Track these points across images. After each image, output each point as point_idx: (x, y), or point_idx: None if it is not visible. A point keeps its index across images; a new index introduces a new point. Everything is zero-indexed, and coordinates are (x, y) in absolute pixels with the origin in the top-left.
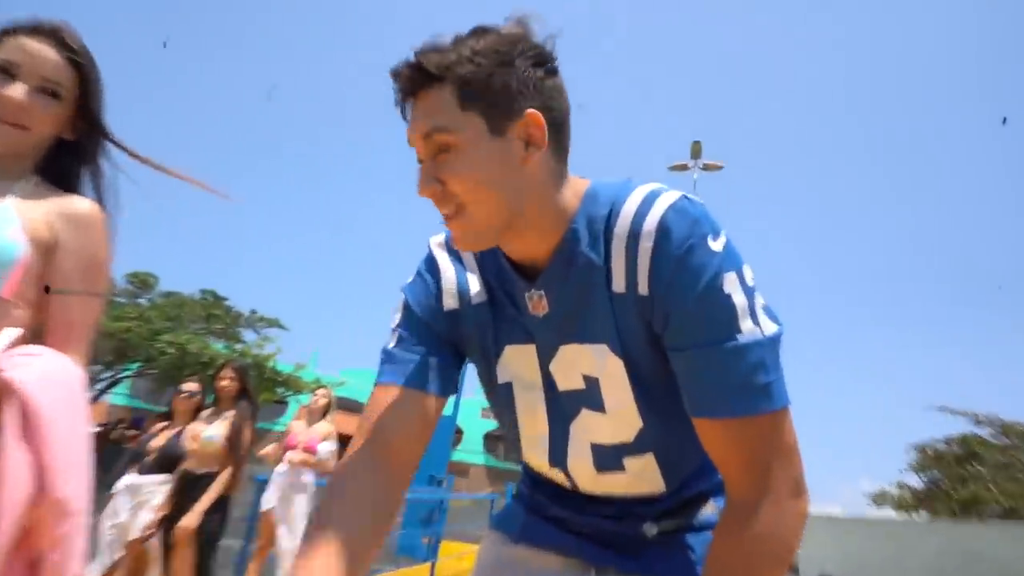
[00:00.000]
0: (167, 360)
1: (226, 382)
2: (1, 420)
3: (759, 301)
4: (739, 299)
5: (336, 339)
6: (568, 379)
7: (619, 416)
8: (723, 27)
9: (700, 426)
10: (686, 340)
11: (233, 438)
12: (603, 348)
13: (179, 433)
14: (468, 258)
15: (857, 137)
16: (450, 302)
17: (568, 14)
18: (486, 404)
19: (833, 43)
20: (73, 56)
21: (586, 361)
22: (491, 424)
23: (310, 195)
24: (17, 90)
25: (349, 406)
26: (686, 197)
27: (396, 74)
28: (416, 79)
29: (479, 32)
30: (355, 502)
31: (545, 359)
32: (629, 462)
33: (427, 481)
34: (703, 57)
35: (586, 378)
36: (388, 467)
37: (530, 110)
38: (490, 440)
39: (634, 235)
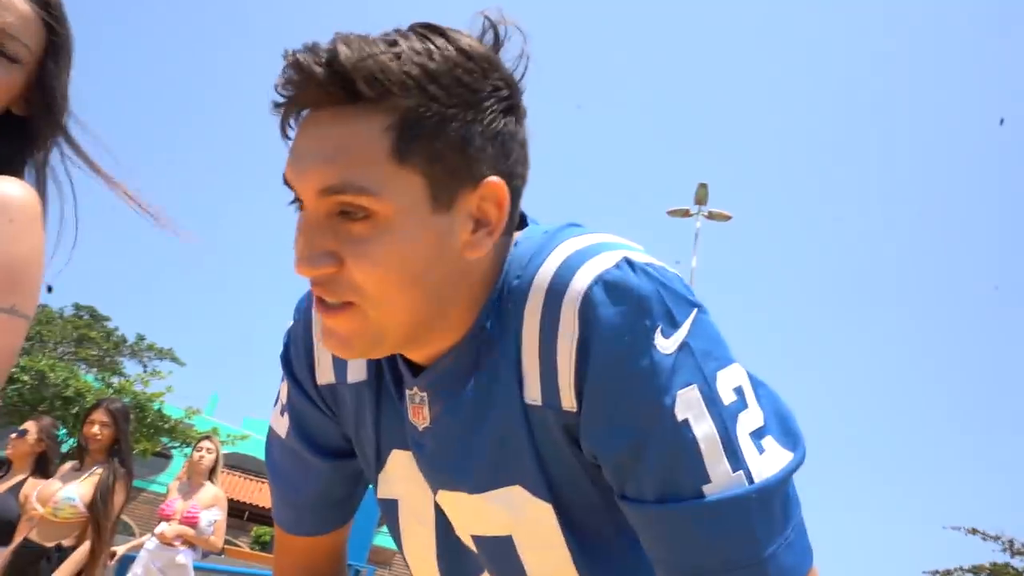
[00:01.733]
0: (17, 390)
1: (96, 428)
2: None
3: (748, 424)
4: (703, 430)
5: (241, 381)
6: (461, 533)
7: None
8: (738, 65)
9: None
10: (633, 490)
11: (98, 503)
12: (515, 492)
13: (14, 488)
14: None
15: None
16: (325, 375)
17: (562, 38)
18: None
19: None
20: (46, 13)
21: (480, 517)
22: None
23: (227, 206)
24: None
25: (249, 466)
26: (627, 262)
27: (298, 72)
28: (329, 90)
29: (429, 36)
30: None
31: (432, 489)
32: None
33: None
34: (715, 93)
35: (482, 540)
36: None
37: (491, 178)
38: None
39: (548, 323)
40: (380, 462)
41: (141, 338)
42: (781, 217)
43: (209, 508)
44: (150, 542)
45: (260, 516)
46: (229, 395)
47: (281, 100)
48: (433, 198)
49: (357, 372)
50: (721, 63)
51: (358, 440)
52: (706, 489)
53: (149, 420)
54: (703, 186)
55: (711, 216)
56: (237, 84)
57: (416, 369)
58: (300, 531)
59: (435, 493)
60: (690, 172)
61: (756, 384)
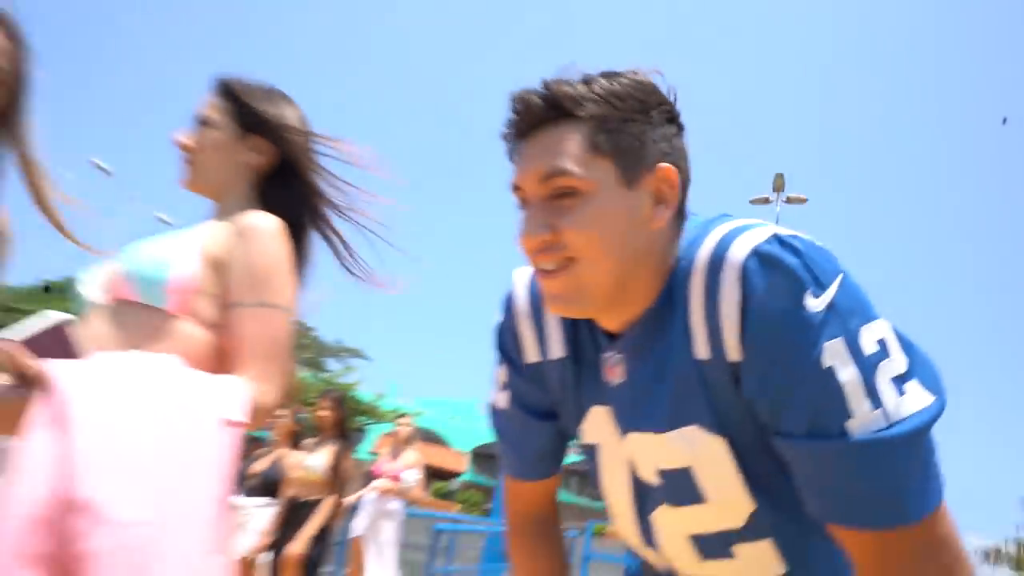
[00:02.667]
0: None
1: (325, 412)
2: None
3: (890, 370)
4: (847, 376)
5: (412, 369)
6: (646, 471)
7: (724, 503)
8: (810, 56)
9: (831, 529)
10: (786, 427)
11: (335, 468)
12: (692, 431)
13: (278, 458)
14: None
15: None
16: (531, 355)
17: (644, 38)
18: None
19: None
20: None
21: (663, 453)
22: (568, 458)
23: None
24: None
25: (428, 437)
26: (776, 238)
27: (520, 103)
28: (544, 112)
29: (610, 74)
30: (542, 551)
31: (622, 433)
32: (740, 549)
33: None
34: (788, 86)
35: (667, 472)
36: (545, 529)
37: (664, 164)
38: (567, 474)
39: (711, 292)
40: (581, 417)
41: (338, 342)
42: (850, 195)
43: (410, 468)
44: (369, 495)
45: (437, 474)
46: (405, 380)
47: (509, 128)
48: (622, 178)
49: (557, 350)
50: (791, 62)
51: (563, 401)
52: (848, 425)
53: (348, 404)
54: (780, 176)
55: (789, 200)
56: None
57: (609, 337)
58: (526, 477)
59: (624, 436)
60: (767, 163)
61: (902, 339)
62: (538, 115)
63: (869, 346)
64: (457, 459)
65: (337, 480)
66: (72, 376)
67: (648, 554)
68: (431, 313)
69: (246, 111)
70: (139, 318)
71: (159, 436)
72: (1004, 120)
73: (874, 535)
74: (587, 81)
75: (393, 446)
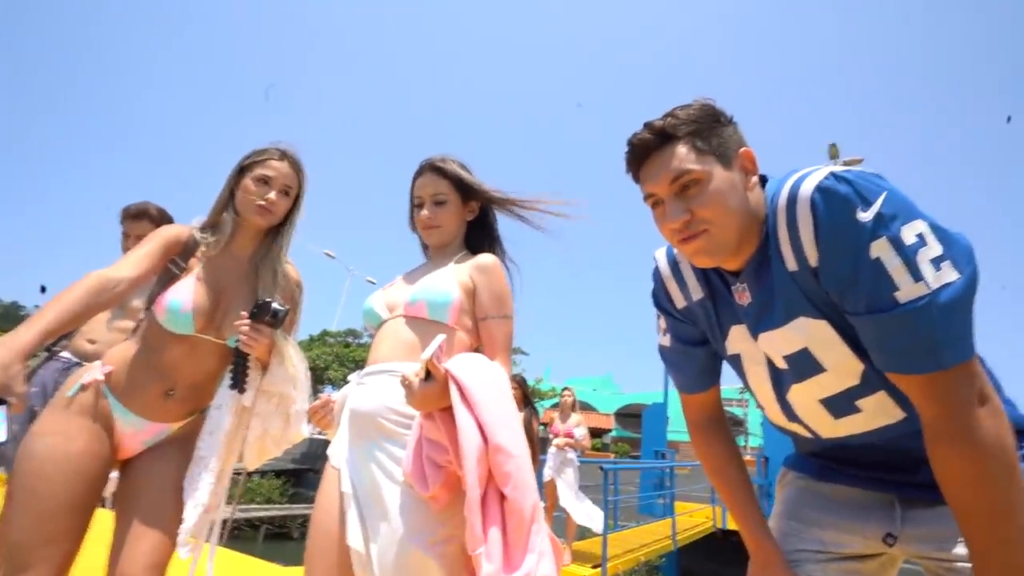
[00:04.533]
0: None
1: (515, 390)
2: (449, 396)
3: (928, 254)
4: (893, 263)
5: (558, 357)
6: (777, 360)
7: (841, 367)
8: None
9: (892, 379)
10: (854, 307)
11: (528, 429)
12: (801, 321)
13: None
14: (685, 264)
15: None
16: (679, 302)
17: (702, 13)
18: None
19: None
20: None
21: (785, 342)
22: None
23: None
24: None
25: (579, 406)
26: (832, 174)
27: (637, 141)
28: (655, 142)
29: (684, 106)
30: (720, 443)
31: (754, 338)
32: (863, 402)
33: (652, 455)
34: (841, 57)
35: (790, 356)
36: (716, 426)
37: (744, 148)
38: None
39: (791, 223)
40: (724, 335)
41: None
42: (900, 152)
43: (578, 426)
44: (551, 449)
45: (592, 433)
46: (554, 366)
47: (631, 159)
48: (722, 163)
49: (697, 294)
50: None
51: (709, 328)
52: (897, 296)
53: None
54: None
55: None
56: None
57: (733, 275)
58: (695, 390)
59: (756, 339)
60: (819, 134)
61: (939, 230)
62: (651, 145)
63: (909, 239)
64: (605, 420)
65: (531, 441)
66: (457, 369)
67: (796, 428)
68: (567, 311)
69: (464, 186)
70: (428, 330)
71: (505, 400)
72: (1008, 119)
73: (921, 378)
74: (672, 115)
75: (561, 412)
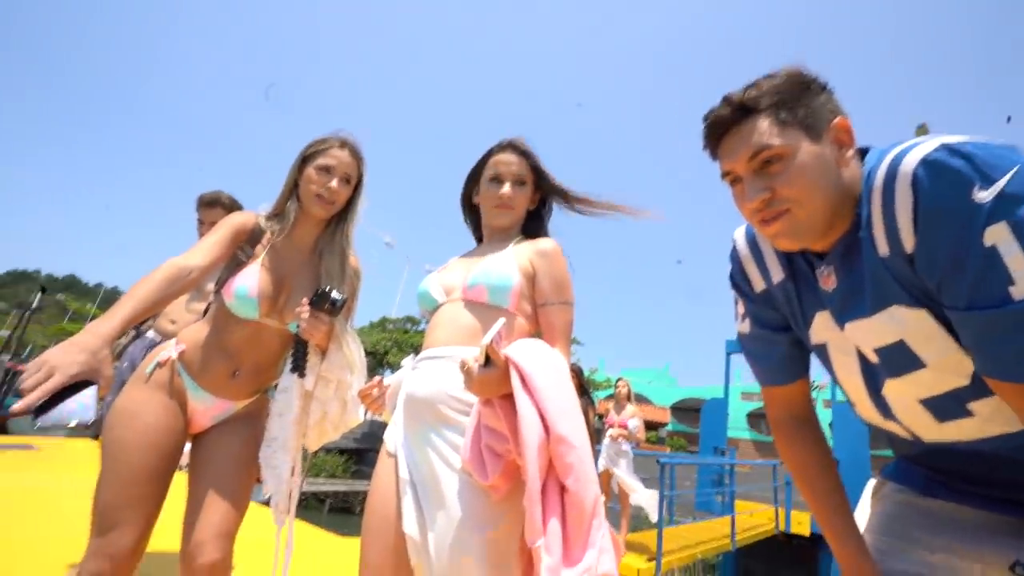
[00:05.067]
0: None
1: (572, 380)
2: (509, 383)
3: None
4: (1012, 252)
5: (615, 347)
6: (868, 352)
7: (944, 365)
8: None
9: (992, 385)
10: (953, 300)
11: (584, 422)
12: (895, 309)
13: None
14: (765, 244)
15: None
16: (758, 285)
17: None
18: (746, 389)
19: None
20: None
21: (876, 333)
22: (752, 405)
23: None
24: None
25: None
26: (945, 146)
27: (714, 116)
28: (733, 116)
29: (768, 76)
30: (807, 446)
31: (840, 326)
32: (976, 406)
33: (711, 451)
34: (842, 56)
35: (883, 349)
36: (803, 426)
37: (838, 118)
38: (752, 418)
39: (887, 201)
40: (807, 322)
41: None
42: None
43: (632, 418)
44: (605, 440)
45: (647, 426)
46: (610, 357)
47: (709, 135)
48: (809, 136)
49: (777, 276)
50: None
51: (792, 314)
52: (1012, 290)
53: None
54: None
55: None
56: None
57: (819, 256)
58: (778, 382)
59: (843, 328)
60: (909, 117)
61: None
62: (729, 120)
63: None
64: (661, 413)
65: (587, 429)
66: (518, 355)
67: (893, 427)
68: (625, 301)
69: (541, 174)
70: (487, 314)
71: (566, 388)
72: (1008, 119)
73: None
74: (755, 86)
75: (616, 402)
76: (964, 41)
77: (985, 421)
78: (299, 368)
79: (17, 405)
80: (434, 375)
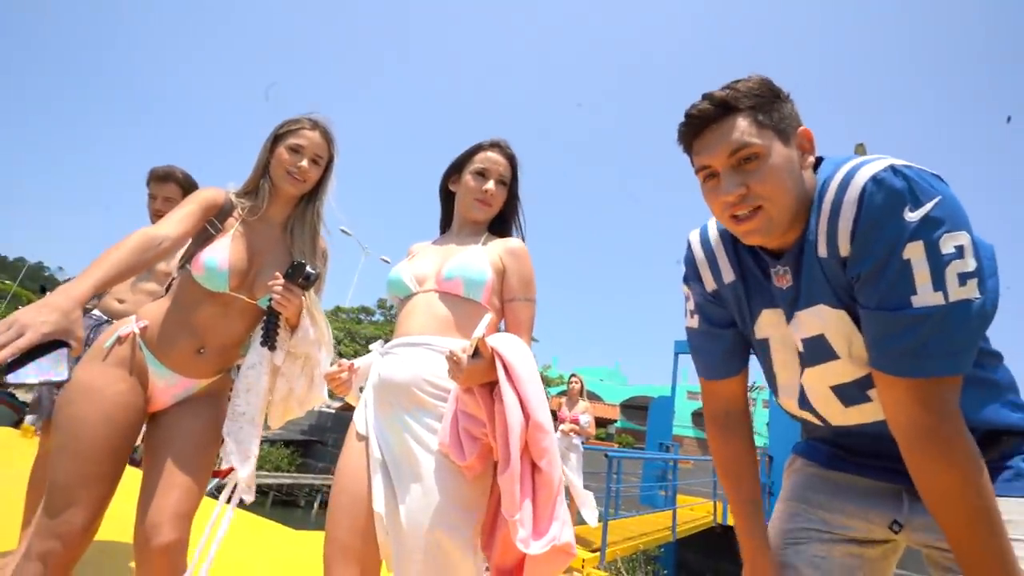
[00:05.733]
0: None
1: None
2: (495, 373)
3: (959, 268)
4: (920, 268)
5: (567, 344)
6: (796, 341)
7: (854, 357)
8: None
9: (874, 375)
10: (867, 299)
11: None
12: (820, 308)
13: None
14: (718, 247)
15: None
16: (710, 284)
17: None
18: (692, 388)
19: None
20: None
21: (809, 323)
22: (697, 404)
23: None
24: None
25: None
26: (891, 167)
27: (696, 111)
28: (715, 113)
29: (743, 80)
30: (737, 441)
31: (787, 320)
32: (873, 392)
33: (657, 447)
34: (837, 55)
35: (807, 340)
36: (737, 422)
37: (802, 127)
38: (697, 416)
39: (835, 207)
40: (753, 319)
41: None
42: (898, 152)
43: (583, 413)
44: (556, 434)
45: (596, 422)
46: (562, 354)
47: (687, 130)
48: (781, 140)
49: (728, 276)
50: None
51: (739, 312)
52: (912, 299)
53: None
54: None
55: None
56: None
57: (773, 256)
58: (718, 376)
59: (790, 321)
60: (847, 136)
61: (980, 247)
62: (711, 116)
63: (947, 248)
64: (610, 410)
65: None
66: (502, 348)
67: (806, 415)
68: (577, 301)
69: (516, 179)
70: (461, 306)
71: (538, 379)
72: (1008, 119)
73: (904, 382)
74: (733, 88)
75: (568, 398)
76: (965, 38)
77: (879, 404)
78: (270, 340)
79: None
80: (410, 361)
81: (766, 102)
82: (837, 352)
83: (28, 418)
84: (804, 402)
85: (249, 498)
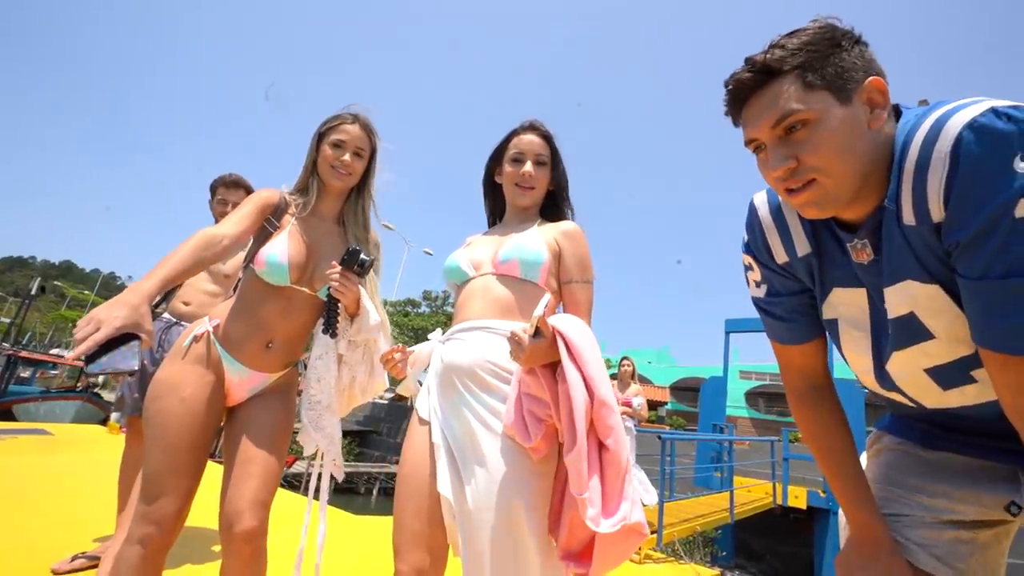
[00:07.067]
0: None
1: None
2: (557, 353)
3: None
4: None
5: (616, 328)
6: (890, 319)
7: (952, 334)
8: None
9: (981, 354)
10: (968, 269)
11: None
12: (908, 284)
13: None
14: (792, 214)
15: None
16: (781, 256)
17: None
18: (744, 368)
19: None
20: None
21: (897, 302)
22: (751, 384)
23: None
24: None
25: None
26: (992, 110)
27: (735, 82)
28: (755, 80)
29: (795, 32)
30: (826, 416)
31: (876, 300)
32: (979, 372)
33: (710, 428)
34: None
35: (897, 319)
36: (820, 395)
37: (871, 77)
38: (751, 396)
39: (921, 165)
40: (824, 296)
41: None
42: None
43: (636, 396)
44: None
45: (647, 405)
46: (610, 337)
47: (731, 102)
48: (839, 98)
49: (803, 249)
50: None
51: (811, 286)
52: None
53: None
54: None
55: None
56: None
57: (850, 228)
58: (794, 341)
59: (882, 294)
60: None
61: None
62: (751, 84)
63: None
64: (660, 393)
65: None
66: (563, 327)
67: (894, 396)
68: (626, 283)
69: (557, 157)
70: (519, 288)
71: (601, 358)
72: None
73: (1019, 361)
74: (779, 45)
75: (620, 381)
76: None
77: (987, 385)
78: (331, 328)
79: (70, 354)
80: (474, 344)
81: (819, 56)
82: (932, 331)
83: (113, 415)
84: (892, 386)
85: (340, 476)
